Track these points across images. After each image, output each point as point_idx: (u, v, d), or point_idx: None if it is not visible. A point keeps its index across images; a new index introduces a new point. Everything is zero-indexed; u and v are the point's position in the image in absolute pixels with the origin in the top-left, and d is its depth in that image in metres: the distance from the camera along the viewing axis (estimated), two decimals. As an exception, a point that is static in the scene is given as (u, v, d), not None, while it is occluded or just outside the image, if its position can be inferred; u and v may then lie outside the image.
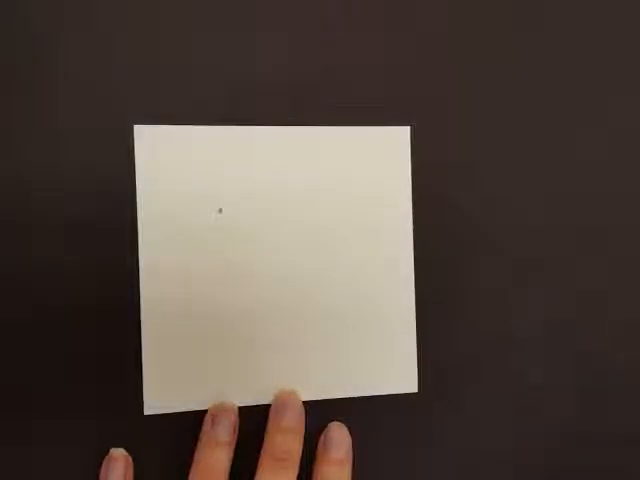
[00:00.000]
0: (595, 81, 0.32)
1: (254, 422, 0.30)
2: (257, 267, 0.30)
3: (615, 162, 0.33)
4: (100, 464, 0.28)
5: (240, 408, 0.30)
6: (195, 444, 0.29)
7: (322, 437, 0.30)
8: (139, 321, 0.29)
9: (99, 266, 0.29)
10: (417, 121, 0.31)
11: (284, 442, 0.29)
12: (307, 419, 0.30)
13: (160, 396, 0.29)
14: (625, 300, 0.33)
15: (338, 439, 0.30)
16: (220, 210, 0.30)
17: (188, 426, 0.29)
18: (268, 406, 0.30)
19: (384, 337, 0.31)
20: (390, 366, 0.31)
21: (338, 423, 0.30)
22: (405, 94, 0.31)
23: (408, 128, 0.31)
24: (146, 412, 0.29)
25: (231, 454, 0.28)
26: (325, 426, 0.30)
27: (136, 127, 0.29)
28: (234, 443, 0.29)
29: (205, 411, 0.29)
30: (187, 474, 0.28)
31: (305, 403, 0.30)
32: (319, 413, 0.30)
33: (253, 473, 0.29)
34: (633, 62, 0.33)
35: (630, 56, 0.33)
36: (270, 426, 0.29)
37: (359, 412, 0.31)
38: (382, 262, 0.31)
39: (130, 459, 0.28)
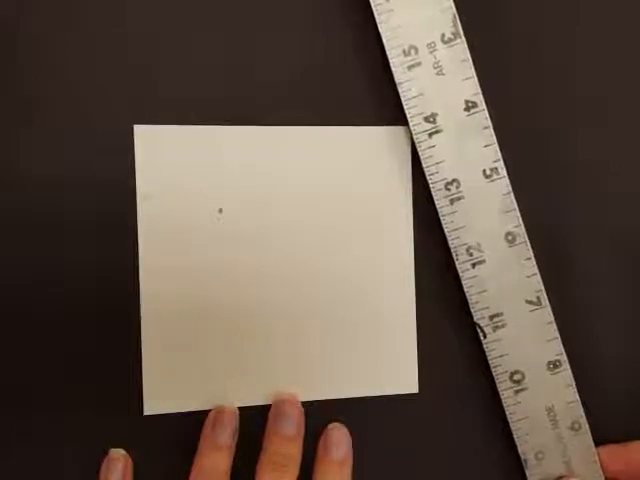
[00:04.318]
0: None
1: (254, 423, 0.30)
2: (257, 267, 0.30)
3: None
4: (100, 464, 0.28)
5: (240, 408, 0.30)
6: (195, 445, 0.29)
7: (322, 438, 0.30)
8: (139, 321, 0.29)
9: (99, 266, 0.29)
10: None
11: (283, 449, 0.29)
12: (307, 419, 0.30)
13: (160, 396, 0.29)
14: None
15: (338, 440, 0.29)
16: (220, 210, 0.30)
17: (188, 426, 0.29)
18: (268, 406, 0.30)
19: (384, 337, 0.31)
20: (390, 366, 0.31)
21: (338, 424, 0.30)
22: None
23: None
24: (146, 412, 0.29)
25: (231, 458, 0.28)
26: (325, 426, 0.30)
27: (136, 127, 0.29)
28: (234, 447, 0.29)
29: (205, 411, 0.29)
30: (187, 475, 0.28)
31: (305, 403, 0.30)
32: (319, 413, 0.30)
33: (252, 473, 0.29)
34: None
35: None
36: (269, 432, 0.29)
37: (359, 412, 0.31)
38: (382, 262, 0.31)
39: (130, 459, 0.28)
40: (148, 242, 0.29)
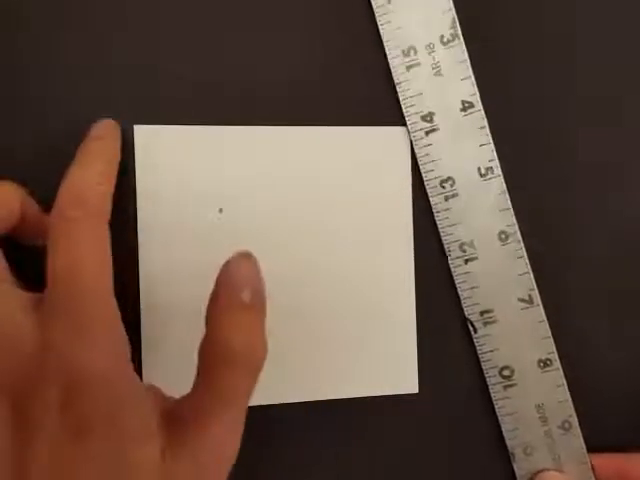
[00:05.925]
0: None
1: (254, 423, 0.29)
2: (257, 267, 0.30)
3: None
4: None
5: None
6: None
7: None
8: (139, 321, 0.29)
9: (99, 266, 0.29)
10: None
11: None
12: (307, 419, 0.30)
13: (160, 396, 0.29)
14: None
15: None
16: (220, 210, 0.30)
17: (188, 426, 0.29)
18: (269, 406, 0.30)
19: (384, 337, 0.31)
20: (390, 366, 0.31)
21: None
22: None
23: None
24: (146, 412, 0.29)
25: None
26: (325, 427, 0.30)
27: (136, 127, 0.29)
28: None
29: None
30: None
31: (305, 403, 0.30)
32: (319, 413, 0.30)
33: (252, 474, 0.29)
34: None
35: None
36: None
37: (359, 412, 0.31)
38: (382, 262, 0.31)
39: None
40: (148, 242, 0.29)
